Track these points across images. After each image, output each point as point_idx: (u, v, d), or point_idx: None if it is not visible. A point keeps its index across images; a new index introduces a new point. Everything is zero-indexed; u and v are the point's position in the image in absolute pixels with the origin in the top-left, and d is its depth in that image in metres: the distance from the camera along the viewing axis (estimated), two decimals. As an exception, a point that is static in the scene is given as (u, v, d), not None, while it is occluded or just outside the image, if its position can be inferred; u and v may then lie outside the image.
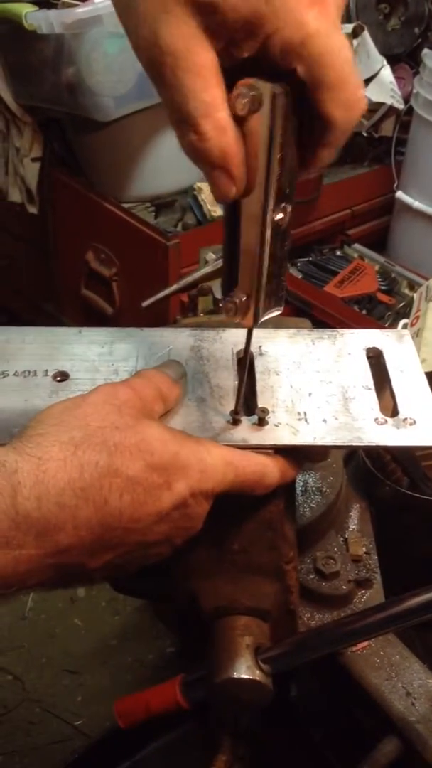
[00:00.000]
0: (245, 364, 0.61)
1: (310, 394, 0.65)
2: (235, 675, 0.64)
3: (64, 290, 2.23)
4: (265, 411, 0.62)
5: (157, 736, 1.10)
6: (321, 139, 0.51)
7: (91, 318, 2.08)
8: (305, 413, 0.63)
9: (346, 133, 0.51)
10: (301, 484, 0.84)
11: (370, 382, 0.67)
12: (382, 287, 1.98)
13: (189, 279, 1.10)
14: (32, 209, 2.08)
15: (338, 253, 2.13)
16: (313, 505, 0.82)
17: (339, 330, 0.73)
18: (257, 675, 0.64)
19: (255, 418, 0.62)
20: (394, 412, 0.64)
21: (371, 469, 0.94)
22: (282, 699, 0.95)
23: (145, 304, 1.17)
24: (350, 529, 0.88)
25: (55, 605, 2.04)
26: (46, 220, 2.14)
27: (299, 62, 0.47)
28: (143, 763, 1.11)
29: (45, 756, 1.76)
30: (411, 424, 0.63)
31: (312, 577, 0.81)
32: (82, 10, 1.60)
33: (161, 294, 1.15)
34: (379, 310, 1.90)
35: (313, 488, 0.84)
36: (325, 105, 0.49)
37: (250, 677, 0.64)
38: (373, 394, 0.66)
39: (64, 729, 1.81)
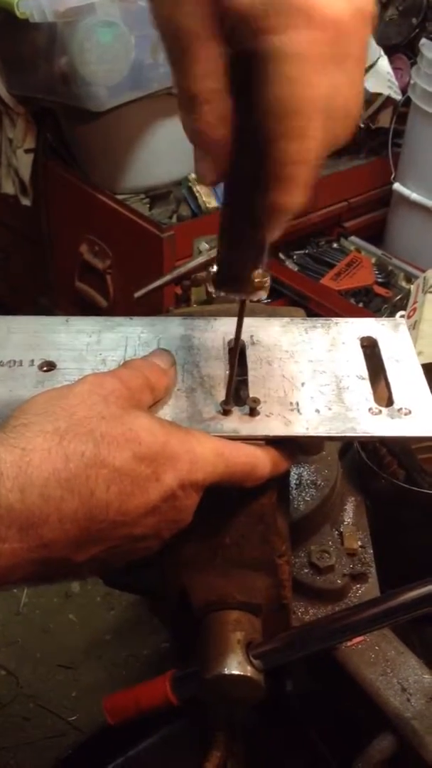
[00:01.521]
0: (236, 350, 0.60)
1: (303, 384, 0.64)
2: (226, 671, 0.62)
3: (58, 283, 2.22)
4: (256, 401, 0.61)
5: (151, 732, 1.09)
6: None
7: (86, 311, 2.06)
8: (298, 403, 0.62)
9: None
10: (296, 477, 0.82)
11: (365, 372, 0.66)
12: (379, 280, 1.97)
13: (182, 269, 1.08)
14: (25, 201, 2.06)
15: (335, 245, 2.12)
16: (308, 499, 0.81)
17: (333, 319, 0.71)
18: (248, 671, 0.63)
19: (246, 408, 0.61)
20: (388, 402, 0.63)
21: (367, 462, 0.92)
22: (277, 694, 0.94)
23: (137, 294, 1.16)
24: (345, 523, 0.86)
25: (50, 600, 2.03)
26: (40, 212, 2.13)
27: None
28: (137, 759, 1.10)
29: (39, 751, 1.76)
30: (406, 414, 0.61)
31: (306, 571, 0.80)
32: (74, -1, 1.58)
33: (153, 285, 1.14)
34: (376, 302, 1.89)
35: (308, 481, 0.83)
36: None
37: (241, 673, 0.62)
38: (367, 383, 0.64)
39: (59, 724, 1.80)
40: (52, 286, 2.25)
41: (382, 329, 0.70)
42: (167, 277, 1.13)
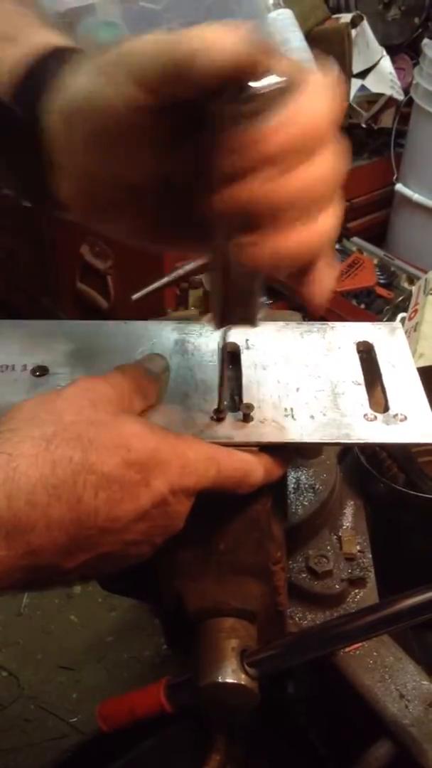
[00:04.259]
0: (228, 363, 0.59)
1: (297, 390, 0.63)
2: (220, 679, 0.62)
3: (60, 284, 2.22)
4: (250, 407, 0.60)
5: (151, 734, 1.08)
6: None
7: (87, 312, 2.06)
8: (292, 409, 0.61)
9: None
10: (294, 481, 0.82)
11: (360, 377, 0.65)
12: (381, 281, 1.95)
13: (180, 271, 1.08)
14: (26, 201, 2.06)
15: (337, 246, 2.11)
16: (306, 503, 0.80)
17: (329, 323, 0.71)
18: (243, 679, 0.62)
19: (240, 414, 0.60)
20: (384, 408, 0.62)
21: (366, 466, 0.92)
22: (278, 697, 0.94)
23: (135, 297, 1.16)
24: (344, 527, 0.86)
25: (51, 601, 2.03)
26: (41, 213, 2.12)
27: None
28: (137, 761, 1.10)
29: (40, 753, 1.75)
30: (402, 420, 0.61)
31: (304, 575, 0.79)
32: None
33: (151, 287, 1.13)
34: (378, 304, 1.88)
35: (306, 485, 0.82)
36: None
37: (236, 681, 0.62)
38: (363, 389, 0.64)
39: (60, 726, 1.81)
40: (54, 286, 2.25)
41: (379, 334, 0.69)
42: (165, 280, 1.13)
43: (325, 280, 0.50)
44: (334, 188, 0.47)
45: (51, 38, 0.55)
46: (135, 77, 0.45)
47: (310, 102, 0.43)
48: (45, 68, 0.52)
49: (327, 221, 0.47)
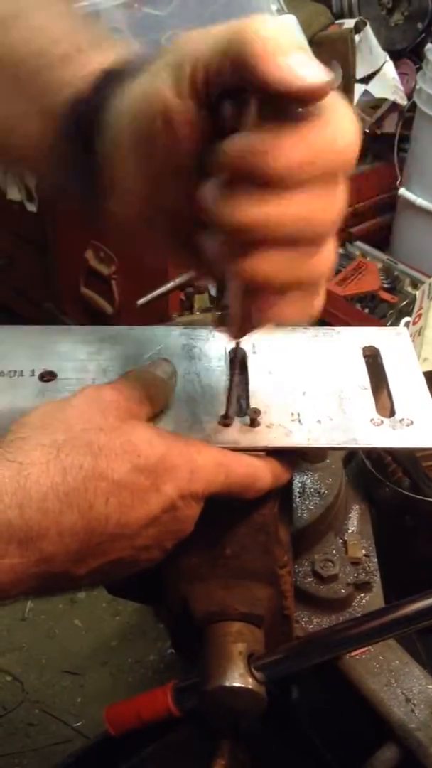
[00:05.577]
0: (235, 367, 0.59)
1: (304, 394, 0.64)
2: (227, 683, 0.62)
3: (64, 289, 2.22)
4: (257, 412, 0.60)
5: (155, 739, 1.08)
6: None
7: (91, 317, 2.07)
8: (299, 414, 0.61)
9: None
10: (299, 485, 0.82)
11: (367, 382, 0.65)
12: (385, 285, 1.95)
13: (185, 276, 1.08)
14: (31, 207, 2.07)
15: (340, 251, 2.11)
16: (311, 507, 0.81)
17: (335, 328, 0.71)
18: (250, 683, 0.62)
19: (247, 418, 0.60)
20: (390, 413, 0.63)
21: (371, 470, 0.92)
22: (283, 701, 0.93)
23: (140, 302, 1.16)
24: (349, 531, 0.86)
25: (56, 606, 2.03)
26: (45, 218, 2.13)
27: None
28: (141, 766, 1.10)
29: (44, 757, 1.75)
30: (408, 425, 0.61)
31: (310, 580, 0.79)
32: (79, 6, 1.58)
33: (156, 292, 1.13)
34: (382, 308, 1.88)
35: (312, 489, 0.82)
36: None
37: (243, 685, 0.62)
38: (369, 393, 0.64)
39: (64, 730, 1.80)
40: (58, 292, 2.26)
41: (384, 338, 0.70)
42: (170, 285, 1.13)
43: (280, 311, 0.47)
44: (333, 228, 0.44)
45: (108, 55, 0.53)
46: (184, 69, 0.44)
47: (335, 129, 0.41)
48: (100, 94, 0.51)
49: (325, 258, 0.45)
